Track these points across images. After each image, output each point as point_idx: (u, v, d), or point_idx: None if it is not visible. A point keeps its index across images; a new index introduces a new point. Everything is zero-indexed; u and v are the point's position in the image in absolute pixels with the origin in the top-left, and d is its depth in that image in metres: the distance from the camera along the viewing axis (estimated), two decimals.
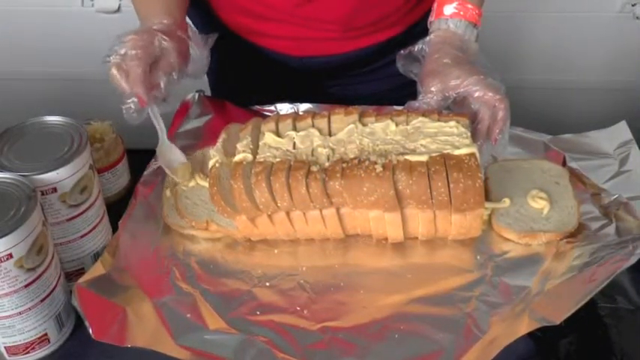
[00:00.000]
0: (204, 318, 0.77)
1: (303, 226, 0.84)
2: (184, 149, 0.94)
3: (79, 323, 0.78)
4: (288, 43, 1.08)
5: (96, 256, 0.84)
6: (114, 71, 0.85)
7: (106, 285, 0.80)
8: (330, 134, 0.85)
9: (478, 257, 0.83)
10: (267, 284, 0.81)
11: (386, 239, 0.85)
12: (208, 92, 1.16)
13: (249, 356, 0.73)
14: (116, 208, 0.90)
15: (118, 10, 1.62)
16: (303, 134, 0.85)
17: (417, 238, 0.85)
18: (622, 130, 0.98)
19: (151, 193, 0.92)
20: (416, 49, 0.93)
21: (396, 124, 0.84)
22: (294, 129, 0.86)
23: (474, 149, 0.80)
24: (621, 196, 0.87)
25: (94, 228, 0.83)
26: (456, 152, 0.80)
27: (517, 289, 0.78)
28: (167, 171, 0.92)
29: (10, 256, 0.69)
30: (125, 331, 0.75)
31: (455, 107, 0.89)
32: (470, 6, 0.92)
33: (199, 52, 0.93)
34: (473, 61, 0.90)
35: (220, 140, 0.88)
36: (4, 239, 0.68)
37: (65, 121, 0.82)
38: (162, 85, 0.87)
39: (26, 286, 0.72)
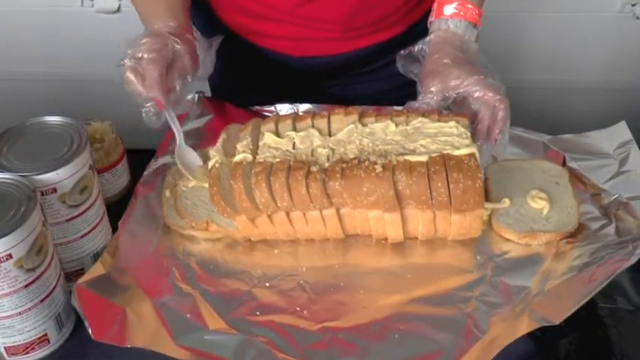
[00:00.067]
0: (204, 318, 0.77)
1: (303, 227, 0.84)
2: None
3: (78, 323, 0.78)
4: (288, 44, 1.08)
5: (96, 257, 0.84)
6: (129, 75, 0.84)
7: (105, 285, 0.80)
8: (329, 134, 0.85)
9: (478, 257, 0.83)
10: (267, 284, 0.81)
11: (386, 239, 0.85)
12: (208, 93, 1.16)
13: (249, 356, 0.73)
14: (116, 208, 0.90)
15: (118, 10, 1.62)
16: (303, 134, 0.85)
17: (416, 238, 0.85)
18: (622, 130, 0.98)
19: (151, 193, 0.92)
20: (416, 49, 0.93)
21: (396, 125, 0.84)
22: (294, 129, 0.86)
23: (473, 149, 0.80)
24: (621, 196, 0.87)
25: (93, 228, 0.83)
26: (456, 152, 0.80)
27: (517, 290, 0.78)
28: (185, 173, 0.91)
29: (10, 256, 0.69)
30: (125, 332, 0.75)
31: (455, 107, 0.89)
32: (470, 6, 0.92)
33: (204, 55, 0.94)
34: (473, 61, 0.90)
35: (220, 141, 0.88)
36: (3, 239, 0.68)
37: (65, 122, 0.82)
38: (177, 87, 0.87)
39: (26, 286, 0.72)
